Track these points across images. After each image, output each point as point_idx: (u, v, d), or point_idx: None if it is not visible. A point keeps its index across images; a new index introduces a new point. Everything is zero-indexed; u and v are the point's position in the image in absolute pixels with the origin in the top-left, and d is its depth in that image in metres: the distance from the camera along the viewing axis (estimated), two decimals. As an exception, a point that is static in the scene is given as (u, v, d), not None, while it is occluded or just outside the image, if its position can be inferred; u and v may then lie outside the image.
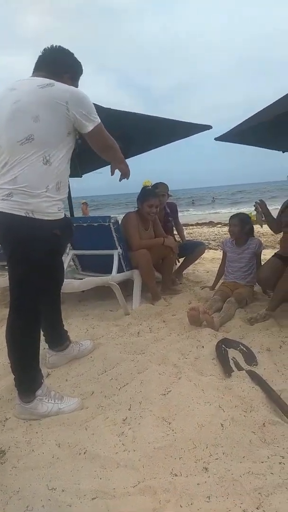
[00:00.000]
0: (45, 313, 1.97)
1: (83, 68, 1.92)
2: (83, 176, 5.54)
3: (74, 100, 1.62)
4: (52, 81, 1.64)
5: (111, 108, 3.29)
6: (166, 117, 3.69)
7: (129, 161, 5.36)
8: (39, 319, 1.74)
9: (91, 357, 2.27)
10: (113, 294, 3.03)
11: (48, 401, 1.72)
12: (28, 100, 1.59)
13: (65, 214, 1.76)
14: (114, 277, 3.09)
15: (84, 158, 4.41)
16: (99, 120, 1.71)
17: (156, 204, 3.45)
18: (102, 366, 2.14)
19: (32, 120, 1.57)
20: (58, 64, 1.79)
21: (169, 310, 3.10)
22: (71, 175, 5.08)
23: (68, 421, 1.65)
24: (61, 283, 2.10)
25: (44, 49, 1.81)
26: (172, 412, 1.63)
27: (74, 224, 3.33)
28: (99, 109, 3.48)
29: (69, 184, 4.57)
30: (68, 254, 3.53)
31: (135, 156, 5.01)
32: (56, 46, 1.83)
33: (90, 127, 1.68)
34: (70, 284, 3.06)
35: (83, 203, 14.58)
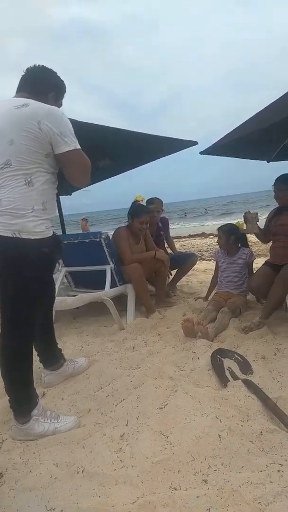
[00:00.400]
0: (38, 332, 1.96)
1: (66, 86, 1.90)
2: (72, 194, 5.58)
3: (47, 118, 1.57)
4: (28, 101, 1.61)
5: (99, 124, 3.36)
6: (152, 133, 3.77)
7: (119, 176, 5.42)
8: (31, 339, 1.73)
9: (86, 374, 2.26)
10: (107, 310, 3.03)
11: (44, 420, 1.70)
12: (3, 123, 1.58)
13: (53, 232, 1.76)
14: (107, 292, 3.10)
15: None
16: (76, 146, 1.65)
17: (147, 221, 3.50)
18: (98, 382, 2.13)
19: (8, 144, 1.56)
20: (41, 84, 1.77)
21: (163, 322, 3.10)
22: (61, 194, 5.12)
23: (65, 440, 1.64)
24: (52, 301, 2.10)
25: (27, 69, 1.79)
26: (169, 425, 1.62)
27: (65, 242, 3.38)
28: (85, 126, 3.56)
29: (59, 202, 4.63)
30: (60, 271, 3.54)
31: (126, 172, 5.08)
32: (38, 65, 1.80)
33: (62, 149, 1.62)
34: (64, 302, 3.06)
35: (82, 220, 14.57)
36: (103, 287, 3.15)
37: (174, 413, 1.69)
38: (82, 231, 14.95)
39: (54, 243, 1.73)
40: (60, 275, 3.52)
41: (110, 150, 4.32)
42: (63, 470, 1.45)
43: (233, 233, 3.23)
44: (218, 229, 3.34)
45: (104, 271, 3.22)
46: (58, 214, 1.84)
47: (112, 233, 3.59)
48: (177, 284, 4.26)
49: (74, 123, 3.59)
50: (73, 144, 1.63)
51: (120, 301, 3.38)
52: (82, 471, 1.41)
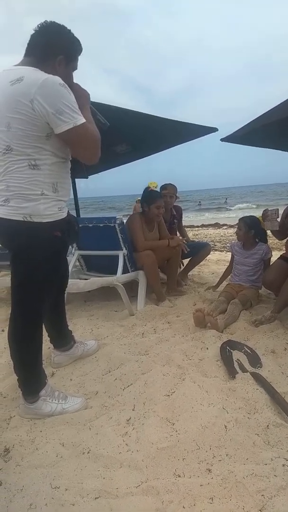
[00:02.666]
0: (49, 313, 1.97)
1: (80, 45, 1.67)
2: (89, 177, 5.55)
3: (40, 94, 1.42)
4: (24, 72, 1.47)
5: (117, 106, 3.30)
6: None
7: (136, 162, 5.35)
8: (41, 320, 1.74)
9: (95, 357, 2.27)
10: (118, 295, 3.04)
11: (52, 401, 1.72)
12: (0, 103, 1.49)
13: (69, 214, 1.73)
14: (119, 277, 3.10)
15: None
16: (76, 122, 1.48)
17: (162, 205, 3.47)
18: (107, 366, 2.14)
19: (6, 129, 1.48)
20: (50, 46, 1.57)
21: (173, 311, 3.10)
22: (78, 176, 5.09)
23: (72, 420, 1.66)
24: (65, 282, 2.09)
25: (38, 26, 1.58)
26: (176, 413, 1.63)
27: (80, 225, 3.38)
28: (104, 107, 3.50)
29: (74, 185, 4.62)
30: (73, 255, 3.55)
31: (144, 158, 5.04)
32: (48, 22, 1.59)
33: (61, 128, 1.47)
34: (76, 285, 3.08)
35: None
36: (115, 272, 3.15)
37: (181, 401, 1.70)
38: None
39: (68, 225, 1.70)
40: (73, 258, 3.53)
41: (128, 135, 4.26)
42: (69, 450, 1.47)
43: (254, 227, 3.16)
44: (240, 219, 3.28)
45: (117, 257, 3.22)
46: (69, 194, 1.76)
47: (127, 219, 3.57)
48: (189, 273, 4.24)
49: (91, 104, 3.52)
50: (72, 120, 1.47)
51: (131, 287, 3.39)
52: (88, 452, 1.43)
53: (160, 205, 3.42)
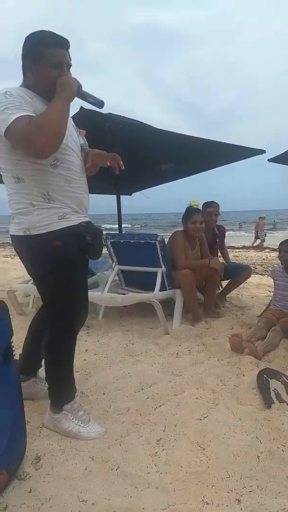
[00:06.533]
0: (33, 323, 1.94)
1: (54, 38, 1.50)
2: (132, 194, 5.69)
3: None
4: None
5: (163, 129, 3.39)
6: (219, 139, 3.72)
7: (178, 181, 5.42)
8: (71, 333, 1.70)
9: (128, 373, 2.28)
10: (154, 312, 3.04)
11: (72, 419, 1.67)
12: None
13: (89, 223, 1.68)
14: (156, 294, 3.11)
15: (133, 178, 4.55)
16: (7, 123, 1.37)
17: (200, 220, 3.45)
18: (139, 383, 2.14)
19: None
20: (22, 59, 1.54)
21: (209, 333, 3.05)
22: (123, 193, 5.24)
23: (103, 434, 1.67)
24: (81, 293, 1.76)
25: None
26: (207, 438, 1.60)
27: (121, 241, 3.46)
28: (150, 130, 3.59)
29: (119, 201, 4.74)
30: (113, 269, 3.62)
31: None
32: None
33: (5, 136, 1.41)
34: (114, 299, 3.13)
35: (260, 217, 14.79)
36: (152, 289, 3.17)
37: (213, 426, 1.66)
38: (256, 229, 14.93)
39: (70, 233, 1.57)
40: (113, 273, 3.60)
41: (173, 154, 4.34)
42: (98, 464, 1.47)
43: None
44: (283, 242, 3.19)
45: (155, 274, 3.24)
46: (82, 201, 1.65)
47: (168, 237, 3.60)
48: (227, 295, 4.17)
49: (140, 126, 3.64)
50: (5, 124, 1.38)
51: (167, 305, 3.38)
52: (117, 469, 1.43)
53: (196, 220, 3.41)
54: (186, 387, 2.05)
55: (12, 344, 1.43)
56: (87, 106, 1.76)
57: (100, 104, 1.64)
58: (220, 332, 3.06)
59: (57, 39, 1.51)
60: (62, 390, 1.72)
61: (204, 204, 3.97)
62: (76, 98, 1.56)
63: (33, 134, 1.37)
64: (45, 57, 1.49)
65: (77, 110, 2.89)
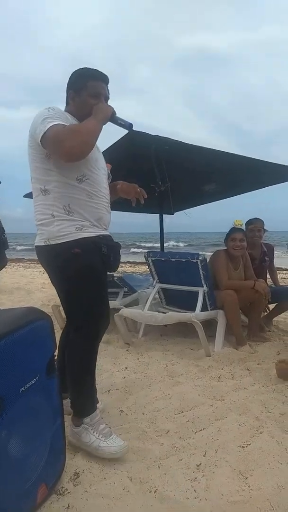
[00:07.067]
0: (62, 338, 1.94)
1: (88, 72, 1.71)
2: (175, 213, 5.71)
3: (31, 126, 1.59)
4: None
5: (209, 147, 3.40)
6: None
7: (222, 201, 5.38)
8: (94, 341, 1.70)
9: (168, 394, 2.23)
10: (195, 332, 2.98)
11: (93, 432, 1.63)
12: None
13: (107, 237, 1.73)
14: (197, 315, 3.05)
15: (176, 197, 4.59)
16: (45, 130, 1.51)
17: (240, 238, 3.37)
18: (180, 406, 2.09)
19: (29, 162, 1.66)
20: (66, 90, 1.75)
21: (254, 358, 2.93)
22: (165, 212, 5.28)
23: (141, 454, 1.63)
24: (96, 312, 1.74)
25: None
26: (249, 467, 1.51)
27: (163, 259, 3.46)
28: (193, 149, 3.62)
29: (161, 220, 4.79)
30: (154, 287, 3.62)
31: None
32: None
33: (40, 141, 1.54)
34: (154, 317, 3.12)
35: None
36: (193, 309, 3.12)
37: (257, 455, 1.58)
38: None
39: (89, 243, 1.62)
40: (153, 291, 3.59)
41: (217, 174, 4.34)
42: (136, 485, 1.44)
43: None
44: None
45: (197, 293, 3.20)
46: (102, 217, 1.72)
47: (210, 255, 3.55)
48: (274, 319, 3.99)
49: (184, 145, 3.69)
50: (43, 130, 1.51)
51: (209, 326, 3.31)
52: (155, 491, 1.39)
53: (235, 238, 3.35)
54: (228, 413, 1.97)
55: (55, 358, 1.46)
56: (136, 128, 1.88)
57: (129, 126, 1.78)
58: (265, 357, 2.92)
59: (99, 74, 1.71)
60: (82, 402, 1.70)
61: (247, 221, 3.88)
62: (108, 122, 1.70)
63: (64, 136, 1.50)
64: (86, 87, 1.68)
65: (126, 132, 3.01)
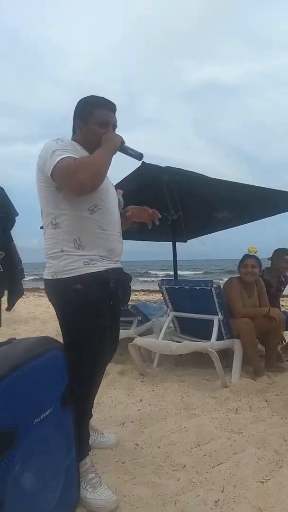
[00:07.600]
0: None
1: (95, 101, 1.68)
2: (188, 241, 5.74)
3: (39, 159, 1.57)
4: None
5: (220, 178, 3.47)
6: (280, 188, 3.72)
7: (237, 227, 5.43)
8: (89, 382, 1.62)
9: (184, 427, 2.18)
10: (210, 362, 2.92)
11: (80, 481, 1.53)
12: None
13: (110, 268, 1.63)
14: (213, 344, 3.00)
15: (188, 225, 4.63)
16: (54, 164, 1.48)
17: (251, 264, 3.36)
18: (196, 439, 2.03)
19: (38, 195, 1.64)
20: (73, 120, 1.72)
21: (272, 388, 2.84)
22: (178, 240, 5.34)
23: (157, 490, 1.59)
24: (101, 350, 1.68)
25: None
26: (269, 503, 1.45)
27: (176, 287, 3.46)
28: (207, 179, 3.71)
29: (174, 248, 4.83)
30: (168, 315, 3.59)
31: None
32: None
33: (50, 175, 1.52)
34: (168, 347, 3.08)
35: None
36: (209, 338, 3.08)
37: (277, 490, 1.52)
38: None
39: (94, 279, 1.56)
40: (167, 319, 3.57)
41: (229, 203, 4.39)
42: (152, 522, 1.40)
43: None
44: None
45: (212, 321, 3.16)
46: (113, 248, 1.66)
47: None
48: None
49: (195, 176, 3.79)
50: (52, 164, 1.49)
51: (225, 356, 3.24)
52: (172, 530, 1.34)
53: (247, 264, 3.34)
54: (246, 446, 1.91)
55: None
56: (148, 161, 1.88)
57: (139, 156, 1.74)
58: (284, 388, 2.83)
59: (106, 102, 1.68)
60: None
61: (278, 248, 3.83)
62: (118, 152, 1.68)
63: (76, 168, 1.47)
64: (93, 116, 1.65)
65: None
